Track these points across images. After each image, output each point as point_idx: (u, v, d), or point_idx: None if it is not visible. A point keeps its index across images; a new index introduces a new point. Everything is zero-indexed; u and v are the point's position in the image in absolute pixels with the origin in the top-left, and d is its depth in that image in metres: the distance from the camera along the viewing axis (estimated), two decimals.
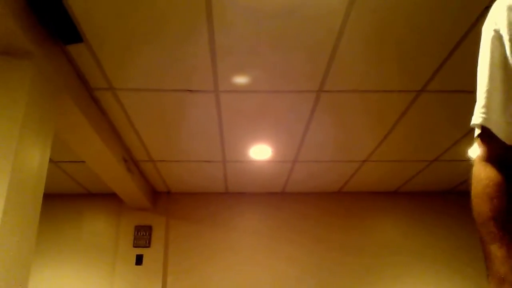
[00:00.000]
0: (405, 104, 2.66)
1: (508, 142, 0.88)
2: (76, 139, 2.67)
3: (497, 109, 0.90)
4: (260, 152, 3.34)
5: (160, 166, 3.59)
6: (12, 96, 1.74)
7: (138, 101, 2.59)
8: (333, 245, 4.11)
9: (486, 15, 0.97)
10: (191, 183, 4.00)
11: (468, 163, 3.41)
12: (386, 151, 3.32)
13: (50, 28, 1.89)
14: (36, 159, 1.86)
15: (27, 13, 1.73)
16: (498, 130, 0.89)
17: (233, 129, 2.96)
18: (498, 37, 0.91)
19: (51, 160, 3.39)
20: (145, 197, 3.82)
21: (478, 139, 0.95)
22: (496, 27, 0.92)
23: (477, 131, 0.94)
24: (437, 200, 4.26)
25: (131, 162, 3.39)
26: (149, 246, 3.97)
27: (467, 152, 3.34)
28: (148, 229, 4.02)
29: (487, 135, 0.92)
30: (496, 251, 0.81)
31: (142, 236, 3.99)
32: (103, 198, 4.22)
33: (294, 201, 4.27)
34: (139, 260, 3.92)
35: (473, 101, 0.96)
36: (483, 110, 0.92)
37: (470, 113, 0.96)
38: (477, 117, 0.92)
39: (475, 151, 0.96)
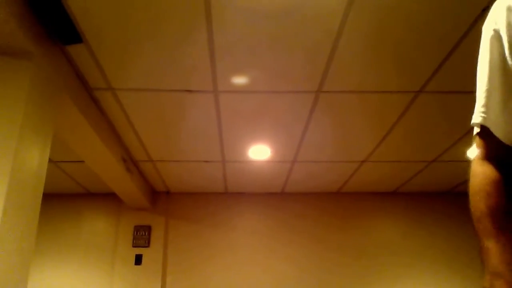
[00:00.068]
0: (404, 104, 2.66)
1: (506, 141, 0.90)
2: (75, 139, 2.67)
3: (496, 109, 0.91)
4: (259, 152, 3.35)
5: (160, 166, 3.60)
6: (11, 96, 1.75)
7: (137, 101, 2.59)
8: (332, 245, 4.11)
9: (485, 16, 0.98)
10: (190, 183, 4.00)
11: (467, 164, 3.40)
12: (385, 152, 3.33)
13: (50, 28, 1.90)
14: (35, 159, 1.87)
15: (27, 14, 1.73)
16: (497, 130, 0.91)
17: (232, 129, 2.96)
18: (497, 37, 0.92)
19: (50, 160, 3.39)
20: (145, 197, 3.83)
21: (477, 138, 0.96)
22: (496, 27, 0.93)
23: (476, 130, 0.96)
24: (436, 200, 4.27)
25: (130, 162, 3.39)
26: (148, 246, 3.97)
27: (466, 153, 3.35)
28: (148, 229, 4.03)
29: (485, 134, 0.94)
30: (492, 246, 0.83)
31: (142, 236, 4.00)
32: (103, 198, 4.22)
33: (293, 201, 4.27)
34: (138, 260, 3.92)
35: (472, 101, 0.98)
36: (482, 109, 0.93)
37: (469, 113, 0.97)
38: (477, 117, 0.95)
39: (473, 151, 0.98)
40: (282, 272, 4.02)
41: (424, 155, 3.42)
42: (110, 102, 2.59)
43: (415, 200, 4.28)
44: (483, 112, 0.93)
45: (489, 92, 0.93)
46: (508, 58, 0.89)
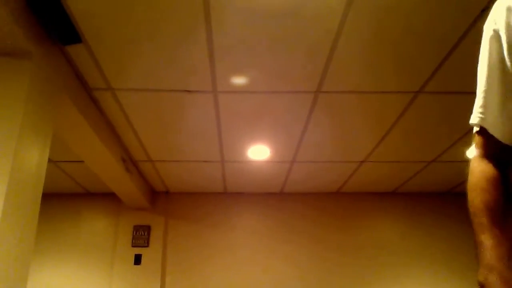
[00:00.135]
0: (403, 105, 2.67)
1: (504, 141, 0.91)
2: (75, 139, 2.67)
3: (495, 110, 0.92)
4: (259, 152, 3.35)
5: (159, 166, 3.60)
6: (11, 96, 1.75)
7: (136, 101, 2.59)
8: (331, 245, 4.11)
9: (484, 17, 0.99)
10: (189, 183, 4.01)
11: (466, 164, 3.41)
12: (384, 152, 3.33)
13: (49, 28, 1.90)
14: (35, 158, 1.87)
15: (27, 14, 1.73)
16: (495, 130, 0.92)
17: (232, 129, 2.96)
18: (496, 37, 0.93)
19: (50, 160, 3.39)
20: (144, 197, 3.83)
21: (476, 137, 0.98)
22: (496, 27, 0.93)
23: (475, 129, 0.97)
24: (435, 201, 4.27)
25: (129, 162, 3.39)
26: (147, 246, 3.98)
27: (465, 153, 3.35)
28: (147, 228, 4.03)
29: (484, 134, 0.95)
30: (486, 240, 0.84)
31: (141, 236, 4.00)
32: (102, 197, 4.22)
33: (293, 201, 4.28)
34: (137, 259, 3.93)
35: (471, 102, 0.98)
36: (480, 110, 0.95)
37: (468, 114, 0.98)
38: (474, 117, 0.96)
39: (472, 151, 1.00)
40: (282, 272, 4.02)
41: (423, 156, 3.42)
42: (110, 102, 2.59)
43: (414, 200, 4.28)
44: (481, 113, 0.94)
45: (487, 93, 0.94)
46: (507, 58, 0.90)
